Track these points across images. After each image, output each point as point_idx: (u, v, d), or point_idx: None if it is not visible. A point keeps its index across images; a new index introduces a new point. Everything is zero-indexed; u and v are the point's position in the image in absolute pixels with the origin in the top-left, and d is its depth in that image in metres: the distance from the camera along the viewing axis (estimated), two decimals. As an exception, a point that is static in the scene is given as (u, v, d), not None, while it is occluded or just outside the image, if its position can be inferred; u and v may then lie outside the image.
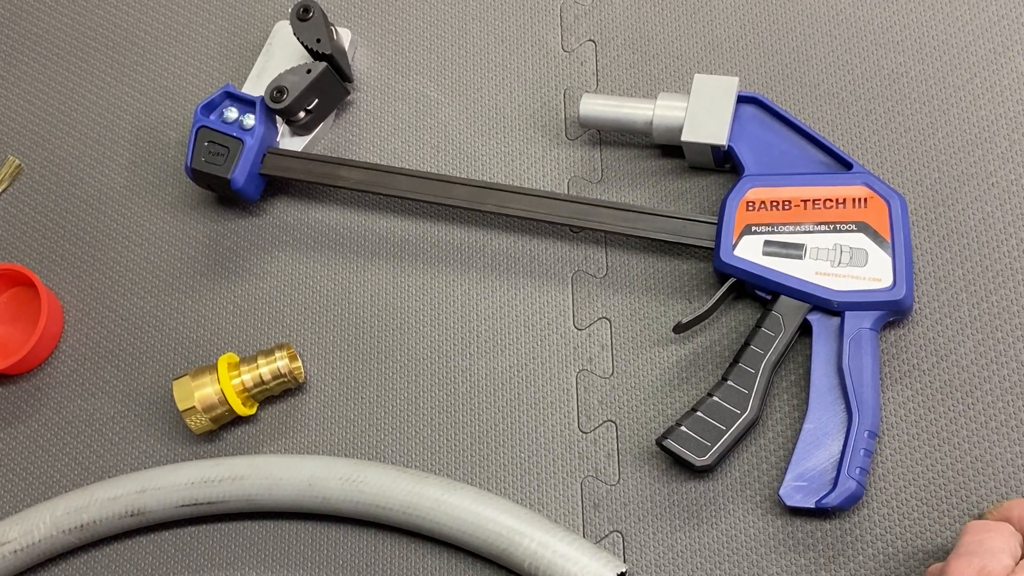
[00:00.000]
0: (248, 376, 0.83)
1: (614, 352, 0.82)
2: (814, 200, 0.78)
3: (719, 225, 0.79)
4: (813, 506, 0.73)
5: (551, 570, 0.72)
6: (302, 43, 0.88)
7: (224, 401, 0.82)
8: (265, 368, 0.83)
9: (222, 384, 0.82)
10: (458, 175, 0.89)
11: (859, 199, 0.77)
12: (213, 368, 0.83)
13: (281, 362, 0.83)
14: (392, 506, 0.76)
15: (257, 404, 0.85)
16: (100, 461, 0.86)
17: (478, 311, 0.85)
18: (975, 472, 0.74)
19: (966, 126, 0.83)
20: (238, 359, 0.85)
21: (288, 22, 0.90)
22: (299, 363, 0.85)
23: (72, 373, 0.90)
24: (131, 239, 0.93)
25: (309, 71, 0.87)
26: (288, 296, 0.89)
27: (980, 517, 0.69)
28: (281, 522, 0.82)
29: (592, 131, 0.88)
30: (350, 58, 0.93)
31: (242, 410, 0.83)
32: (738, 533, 0.76)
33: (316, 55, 0.88)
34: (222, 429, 0.85)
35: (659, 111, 0.83)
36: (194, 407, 0.82)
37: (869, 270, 0.76)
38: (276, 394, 0.85)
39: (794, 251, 0.77)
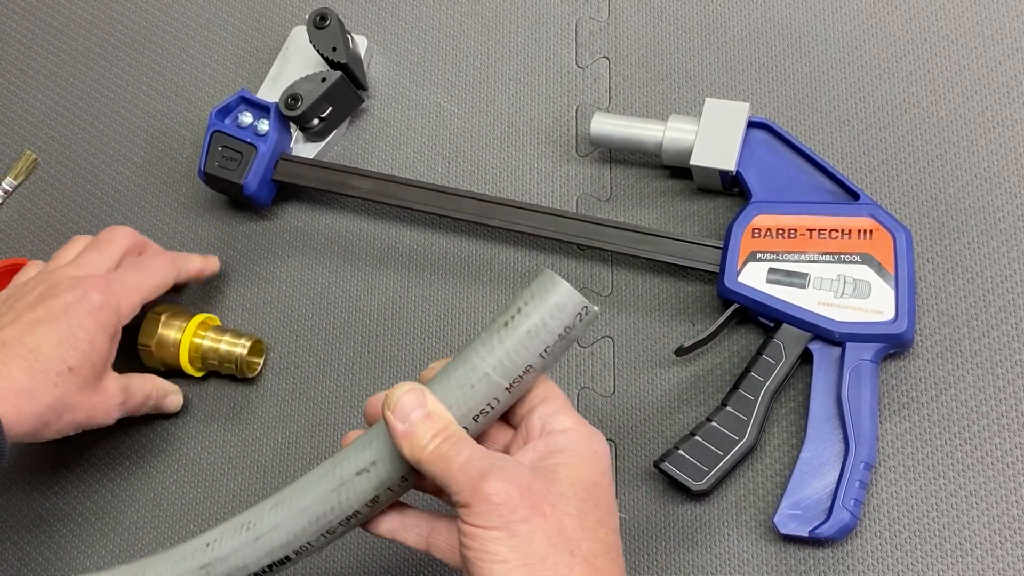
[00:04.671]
0: (208, 343, 0.86)
1: (616, 371, 0.83)
2: (820, 230, 0.78)
3: (724, 250, 0.80)
4: (807, 535, 0.74)
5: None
6: (318, 51, 0.88)
7: (176, 351, 0.85)
8: (224, 346, 0.85)
9: (184, 336, 0.85)
10: (468, 187, 0.90)
11: (864, 231, 0.78)
12: (189, 317, 0.86)
13: (239, 349, 0.85)
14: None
15: (206, 371, 0.87)
16: (104, 456, 0.87)
17: (483, 324, 0.86)
18: (969, 507, 0.75)
19: (975, 160, 0.83)
20: (217, 323, 0.88)
21: (305, 27, 0.91)
22: (260, 360, 0.87)
23: (81, 369, 0.91)
24: (143, 238, 0.94)
25: (324, 80, 0.88)
26: (296, 300, 0.89)
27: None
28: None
29: (603, 149, 0.89)
30: (365, 65, 0.94)
31: (188, 368, 0.86)
32: (732, 557, 0.77)
33: (332, 64, 0.89)
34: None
35: (669, 133, 0.83)
36: (150, 347, 0.85)
37: (872, 302, 0.76)
38: (222, 374, 0.87)
39: (798, 280, 0.78)
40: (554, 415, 0.62)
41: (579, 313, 0.60)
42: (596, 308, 0.61)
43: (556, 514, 0.57)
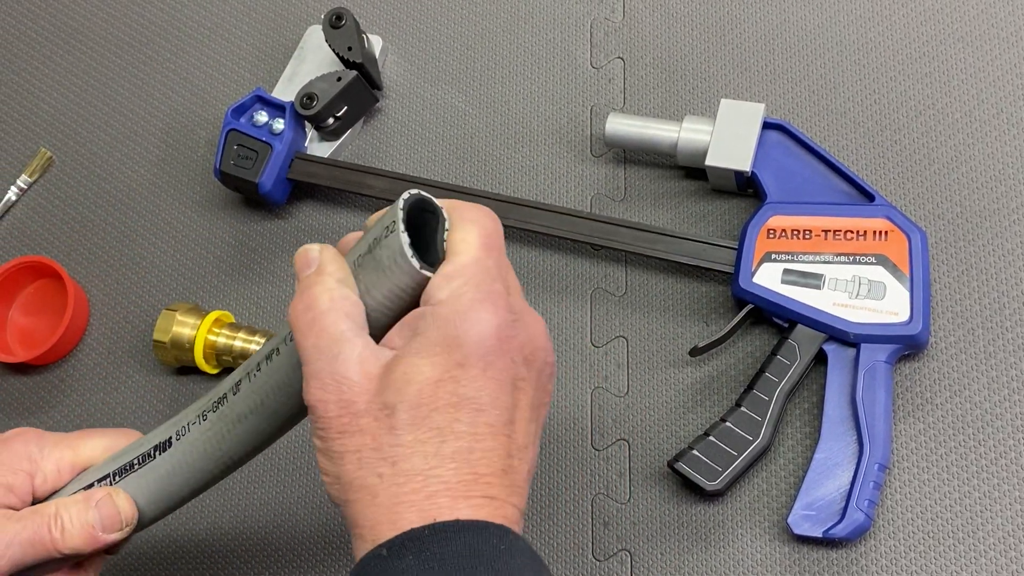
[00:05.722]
0: (223, 340, 0.86)
1: (630, 371, 0.83)
2: (835, 231, 0.78)
3: (739, 251, 0.80)
4: (820, 535, 0.74)
5: None
6: (334, 51, 0.89)
7: (191, 348, 0.85)
8: (240, 342, 0.86)
9: (199, 333, 0.85)
10: (482, 187, 0.90)
11: (880, 232, 0.78)
12: (203, 314, 0.86)
13: (254, 346, 0.86)
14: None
15: (220, 368, 0.87)
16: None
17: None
18: (983, 508, 0.75)
19: (990, 162, 0.83)
20: (231, 320, 0.88)
21: (320, 27, 0.91)
22: None
23: (95, 366, 0.91)
24: (158, 236, 0.94)
25: (339, 79, 0.88)
26: (310, 299, 0.90)
27: None
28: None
29: (617, 149, 0.89)
30: (380, 65, 0.94)
31: (203, 365, 0.86)
32: (745, 557, 0.77)
33: (347, 63, 0.89)
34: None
35: (684, 134, 0.84)
36: (164, 343, 0.86)
37: (886, 303, 0.76)
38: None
39: (813, 281, 0.78)
40: (446, 280, 0.54)
41: (387, 226, 0.55)
42: (409, 251, 0.54)
43: (374, 428, 0.51)
